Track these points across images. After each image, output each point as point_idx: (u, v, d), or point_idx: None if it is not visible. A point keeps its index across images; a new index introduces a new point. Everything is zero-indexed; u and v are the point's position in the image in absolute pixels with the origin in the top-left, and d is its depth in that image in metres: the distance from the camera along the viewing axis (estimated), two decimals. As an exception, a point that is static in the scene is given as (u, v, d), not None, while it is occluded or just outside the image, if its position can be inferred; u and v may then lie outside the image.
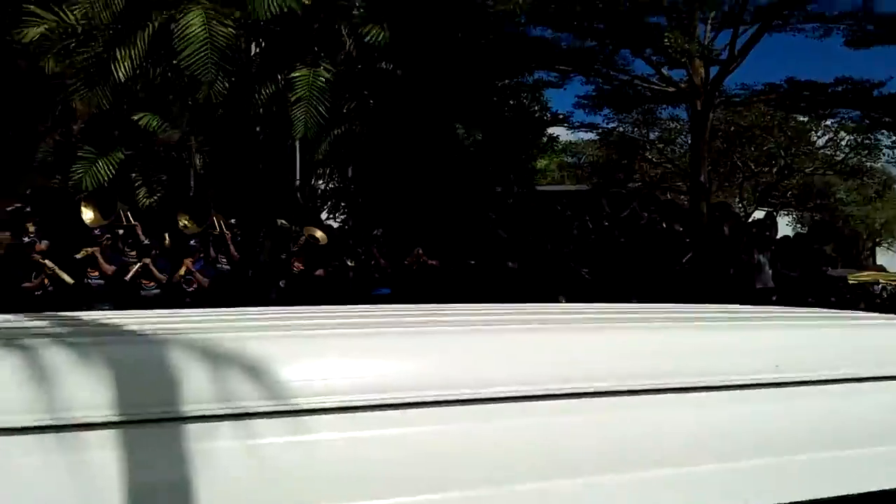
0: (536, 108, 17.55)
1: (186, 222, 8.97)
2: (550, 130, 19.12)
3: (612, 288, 8.32)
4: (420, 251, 8.96)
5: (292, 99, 9.76)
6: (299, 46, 10.55)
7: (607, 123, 19.06)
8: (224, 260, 8.76)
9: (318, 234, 9.60)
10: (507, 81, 15.49)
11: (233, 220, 9.45)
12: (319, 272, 8.82)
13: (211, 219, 9.05)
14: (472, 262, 8.93)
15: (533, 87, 16.79)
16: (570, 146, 23.48)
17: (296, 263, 8.73)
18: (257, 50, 11.19)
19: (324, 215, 13.41)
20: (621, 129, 19.91)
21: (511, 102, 15.92)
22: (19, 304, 7.20)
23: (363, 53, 10.91)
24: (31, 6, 9.13)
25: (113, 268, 8.13)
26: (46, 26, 9.17)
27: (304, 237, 9.32)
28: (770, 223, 10.45)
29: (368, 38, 10.37)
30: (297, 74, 9.88)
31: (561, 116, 17.52)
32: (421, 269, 8.84)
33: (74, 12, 9.21)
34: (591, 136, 20.44)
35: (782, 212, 20.90)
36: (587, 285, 8.69)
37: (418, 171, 11.79)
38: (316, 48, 10.79)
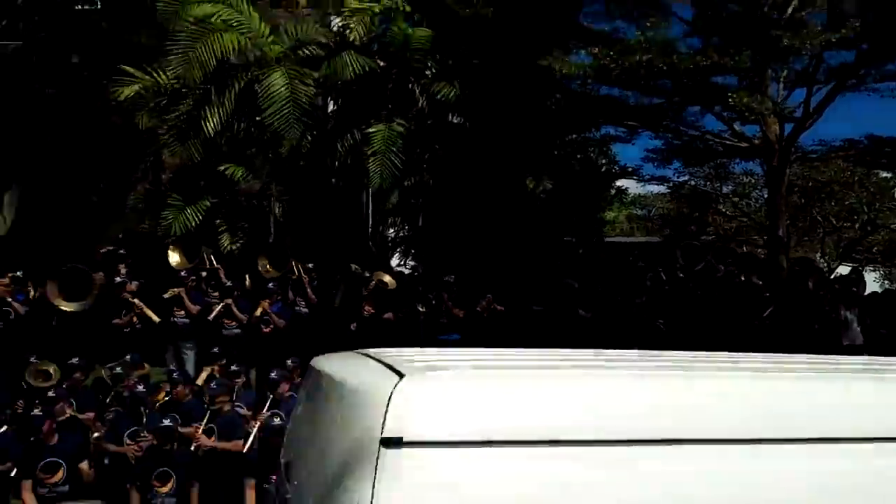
0: (604, 161, 17.47)
1: (267, 266, 9.26)
2: (620, 183, 18.92)
3: (689, 340, 8.04)
4: (490, 297, 8.94)
5: (368, 152, 10.07)
6: (375, 103, 10.95)
7: (677, 177, 18.71)
8: (302, 303, 8.99)
9: (387, 278, 9.73)
10: (574, 136, 15.55)
11: (310, 265, 9.70)
12: (388, 316, 8.90)
13: (289, 263, 9.32)
14: (543, 310, 8.82)
15: (600, 142, 16.76)
16: (639, 198, 23.11)
17: (366, 307, 8.85)
18: (334, 107, 11.68)
19: (394, 261, 13.60)
20: (692, 182, 19.50)
21: (578, 156, 15.93)
22: (109, 339, 7.57)
23: (434, 109, 11.22)
24: (127, 67, 9.85)
25: (197, 307, 8.46)
26: (140, 85, 9.82)
27: (374, 281, 9.47)
28: (857, 279, 9.97)
29: (440, 95, 10.70)
30: (373, 130, 10.22)
31: (630, 169, 17.35)
32: (491, 315, 8.80)
33: (168, 72, 9.89)
34: (661, 188, 20.08)
35: (868, 268, 19.80)
36: (662, 337, 8.42)
37: (487, 221, 11.87)
38: (390, 105, 11.17)
